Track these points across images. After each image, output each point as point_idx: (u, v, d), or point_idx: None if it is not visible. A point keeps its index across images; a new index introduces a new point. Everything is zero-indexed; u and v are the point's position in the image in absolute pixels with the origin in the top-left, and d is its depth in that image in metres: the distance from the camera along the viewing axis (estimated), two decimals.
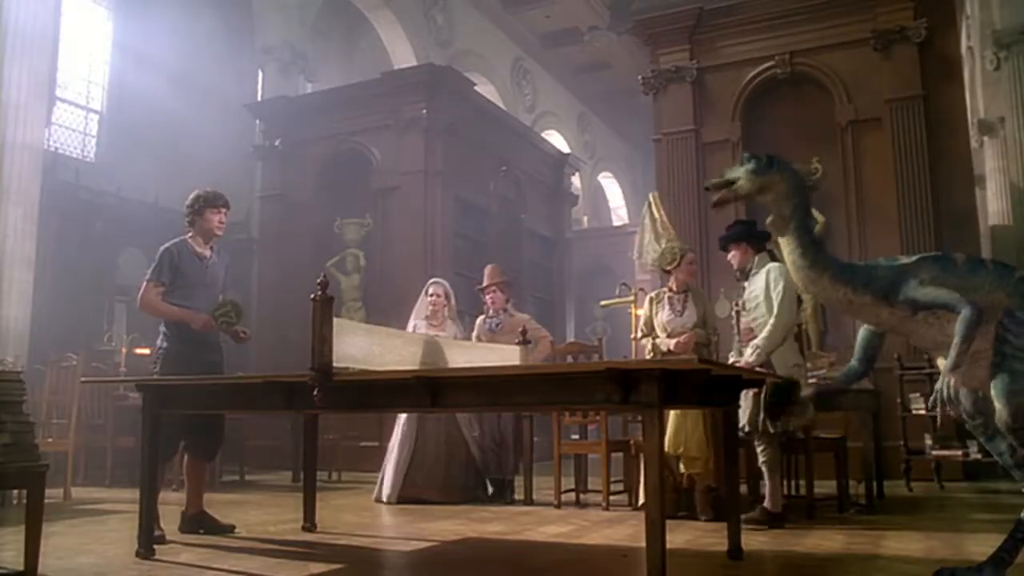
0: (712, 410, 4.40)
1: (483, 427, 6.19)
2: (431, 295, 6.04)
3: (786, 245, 2.78)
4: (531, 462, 6.14)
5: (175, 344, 4.43)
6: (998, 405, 2.63)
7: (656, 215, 5.69)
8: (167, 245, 4.52)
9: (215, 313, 4.39)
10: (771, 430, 4.39)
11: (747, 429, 4.42)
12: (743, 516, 4.32)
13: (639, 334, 5.21)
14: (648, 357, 4.99)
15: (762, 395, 4.18)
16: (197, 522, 4.41)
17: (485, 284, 6.24)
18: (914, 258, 2.80)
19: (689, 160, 8.21)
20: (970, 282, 2.67)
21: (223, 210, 4.61)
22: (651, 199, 5.83)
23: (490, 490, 6.12)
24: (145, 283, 4.45)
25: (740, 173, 2.84)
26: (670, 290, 5.07)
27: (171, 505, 4.55)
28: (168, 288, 4.44)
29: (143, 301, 4.46)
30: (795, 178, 2.83)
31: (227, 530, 4.39)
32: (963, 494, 6.08)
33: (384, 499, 5.83)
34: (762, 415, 4.36)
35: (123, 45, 11.88)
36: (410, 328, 5.92)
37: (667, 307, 5.01)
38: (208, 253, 4.60)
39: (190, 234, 4.60)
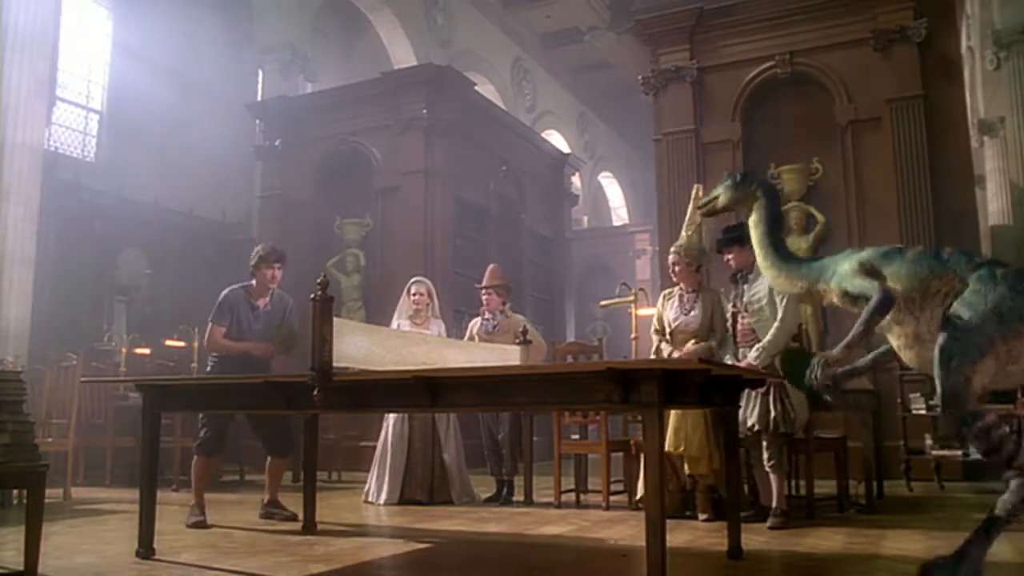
0: (712, 410, 4.39)
1: (481, 428, 6.20)
2: (414, 294, 6.05)
3: (755, 247, 3.18)
4: (531, 462, 6.14)
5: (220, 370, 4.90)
6: (937, 384, 2.68)
7: (691, 208, 5.50)
8: (227, 291, 5.01)
9: (275, 341, 4.92)
10: (780, 430, 4.40)
11: (756, 428, 4.42)
12: (767, 524, 4.32)
13: (652, 330, 5.17)
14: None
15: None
16: (272, 506, 4.99)
17: (484, 284, 6.25)
18: (866, 251, 2.97)
19: (689, 160, 8.20)
20: (911, 268, 2.75)
21: (276, 266, 5.04)
22: (694, 191, 5.70)
23: (485, 495, 6.10)
24: (210, 325, 4.93)
25: (720, 190, 3.29)
26: (681, 289, 5.02)
27: (171, 505, 4.55)
28: (227, 328, 4.91)
29: (210, 341, 4.93)
30: (767, 191, 3.21)
31: (291, 517, 4.85)
32: (963, 494, 6.07)
33: (381, 502, 5.82)
34: (774, 413, 4.37)
35: (123, 45, 11.89)
36: (393, 327, 5.92)
37: (676, 305, 4.96)
38: (262, 304, 5.02)
39: (253, 282, 5.06)
